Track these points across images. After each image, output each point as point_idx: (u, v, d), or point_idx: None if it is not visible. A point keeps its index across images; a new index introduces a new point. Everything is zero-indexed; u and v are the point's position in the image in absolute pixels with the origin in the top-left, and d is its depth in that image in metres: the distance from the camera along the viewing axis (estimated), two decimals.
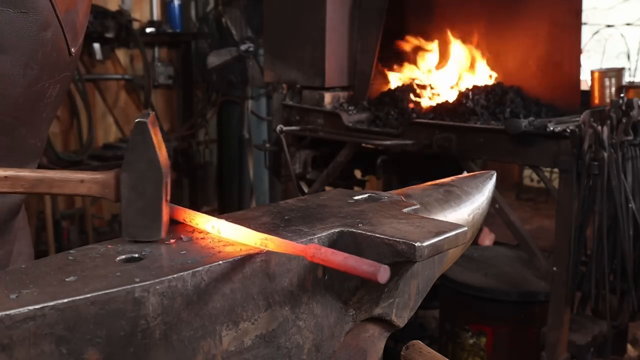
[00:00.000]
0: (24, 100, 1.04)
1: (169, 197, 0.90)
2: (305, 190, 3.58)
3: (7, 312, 0.66)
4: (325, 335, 0.95)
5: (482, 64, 3.57)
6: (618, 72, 3.41)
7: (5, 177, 0.89)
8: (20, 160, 1.14)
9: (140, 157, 0.87)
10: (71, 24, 1.09)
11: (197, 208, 0.97)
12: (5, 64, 0.99)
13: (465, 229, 0.94)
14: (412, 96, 3.50)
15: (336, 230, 0.94)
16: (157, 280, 0.75)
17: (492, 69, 3.55)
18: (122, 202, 0.89)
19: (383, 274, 0.72)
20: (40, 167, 0.94)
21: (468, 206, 1.26)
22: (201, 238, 0.89)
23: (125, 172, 0.88)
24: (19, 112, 1.04)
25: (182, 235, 0.90)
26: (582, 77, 3.39)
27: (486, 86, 3.38)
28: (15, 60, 0.99)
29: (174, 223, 0.96)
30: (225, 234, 0.89)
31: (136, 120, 0.86)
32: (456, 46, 3.63)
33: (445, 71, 3.69)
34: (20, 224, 1.26)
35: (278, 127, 3.44)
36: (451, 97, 3.41)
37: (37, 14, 1.01)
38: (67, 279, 0.73)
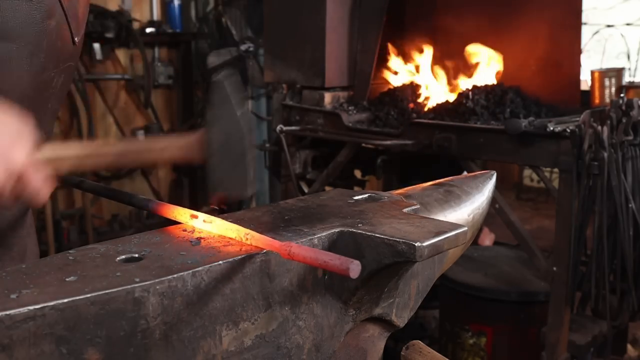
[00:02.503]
0: (31, 89, 1.04)
1: (254, 154, 0.92)
2: (305, 190, 3.58)
3: (7, 312, 0.66)
4: (325, 335, 0.95)
5: (484, 63, 3.56)
6: (618, 72, 3.41)
7: (89, 153, 0.90)
8: None
9: (224, 116, 0.89)
10: (74, 13, 1.09)
11: (197, 208, 0.97)
12: (11, 52, 0.99)
13: (465, 229, 0.94)
14: (412, 96, 3.50)
15: (336, 230, 0.94)
16: (157, 280, 0.75)
17: (493, 69, 3.55)
18: (209, 161, 0.90)
19: (354, 268, 0.73)
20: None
21: (468, 206, 1.26)
22: (202, 238, 0.89)
23: (211, 130, 0.89)
24: (27, 102, 1.05)
25: (184, 235, 0.90)
26: (582, 77, 3.39)
27: (486, 86, 3.38)
28: (21, 49, 1.00)
29: (174, 223, 0.96)
30: (208, 227, 0.90)
31: (213, 80, 0.89)
32: (456, 47, 3.63)
33: (445, 71, 3.69)
34: (28, 222, 1.27)
35: (278, 127, 3.44)
36: (451, 97, 3.41)
37: (41, 2, 1.01)
38: (67, 279, 0.73)
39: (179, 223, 0.95)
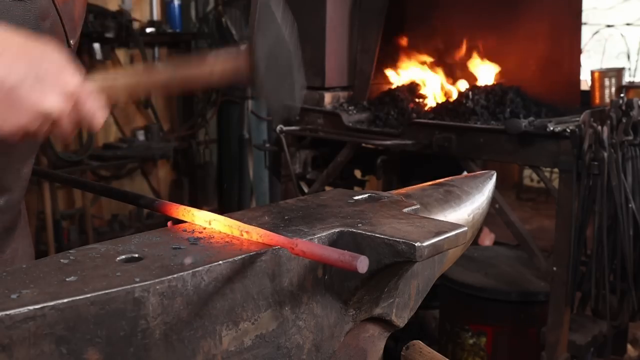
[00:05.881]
0: None
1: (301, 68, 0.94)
2: (305, 190, 3.58)
3: (7, 312, 0.66)
4: (325, 335, 0.95)
5: (483, 63, 3.57)
6: (618, 72, 3.41)
7: (139, 80, 0.92)
8: (21, 154, 1.14)
9: (269, 32, 0.89)
10: (69, 15, 1.09)
11: (197, 208, 0.98)
12: None
13: (465, 229, 0.94)
14: (412, 96, 3.50)
15: (336, 230, 0.94)
16: (157, 280, 0.75)
17: (493, 69, 3.55)
18: (258, 67, 0.90)
19: (362, 263, 0.74)
20: (40, 171, 0.96)
21: (468, 206, 1.26)
22: (203, 238, 0.89)
23: (258, 41, 0.90)
24: None
25: (184, 235, 0.90)
26: (582, 77, 3.39)
27: (486, 86, 3.38)
28: None
29: (174, 223, 0.96)
30: (215, 225, 0.90)
31: (260, 2, 0.89)
32: (456, 46, 3.63)
33: (445, 71, 3.69)
34: (22, 223, 1.26)
35: (278, 127, 3.44)
36: (451, 97, 3.42)
37: (35, 3, 1.00)
38: (67, 279, 0.73)
39: (179, 223, 0.95)
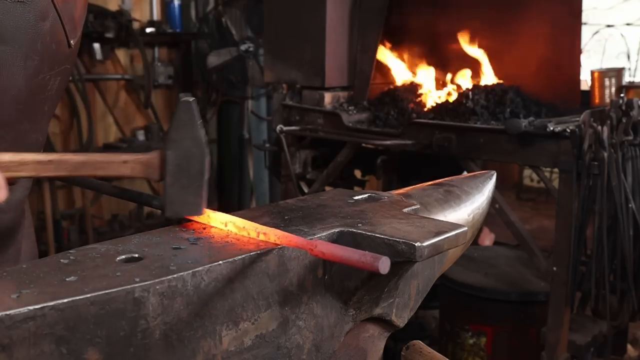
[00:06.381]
0: (26, 92, 1.04)
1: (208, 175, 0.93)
2: (305, 190, 3.58)
3: (7, 312, 0.66)
4: (325, 335, 0.95)
5: (484, 64, 3.56)
6: (618, 72, 3.41)
7: (50, 160, 0.90)
8: None
9: (186, 136, 0.89)
10: (69, 15, 1.08)
11: None
12: (5, 55, 0.98)
13: (465, 229, 0.94)
14: (412, 96, 3.50)
15: (336, 230, 0.94)
16: (157, 280, 0.75)
17: (493, 69, 3.55)
18: (166, 180, 0.90)
19: (384, 264, 0.73)
20: None
21: (468, 206, 1.26)
22: (203, 238, 0.89)
23: (171, 149, 0.90)
24: (22, 105, 1.04)
25: (184, 235, 0.90)
26: (582, 77, 3.39)
27: (486, 86, 3.38)
28: (14, 51, 0.99)
29: (174, 223, 0.96)
30: (231, 227, 0.90)
31: (182, 100, 0.89)
32: (456, 46, 3.63)
33: (444, 71, 3.69)
34: (25, 223, 1.27)
35: (278, 127, 3.44)
36: (451, 97, 3.41)
37: (34, 4, 1.00)
38: (67, 279, 0.73)
39: (179, 223, 0.95)
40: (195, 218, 0.95)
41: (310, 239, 0.82)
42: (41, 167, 0.90)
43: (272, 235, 0.85)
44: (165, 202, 0.92)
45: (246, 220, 0.89)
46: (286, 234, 0.84)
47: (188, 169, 0.90)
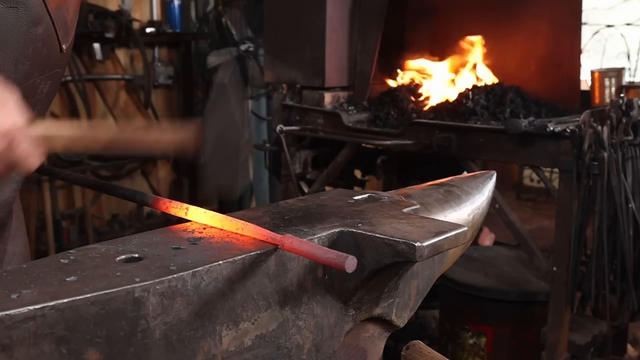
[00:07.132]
0: None
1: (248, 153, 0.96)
2: (305, 190, 3.58)
3: (7, 312, 0.66)
4: (325, 335, 0.95)
5: (483, 65, 3.57)
6: (618, 72, 3.41)
7: (82, 136, 0.91)
8: None
9: (221, 112, 0.91)
10: (62, 20, 1.08)
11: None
12: None
13: (465, 229, 0.94)
14: (412, 96, 3.50)
15: (336, 230, 0.94)
16: (157, 280, 0.75)
17: (493, 69, 3.55)
18: (203, 154, 0.92)
19: (349, 263, 0.74)
20: (40, 167, 0.95)
21: (468, 206, 1.26)
22: (203, 238, 0.89)
23: (207, 125, 0.91)
24: None
25: (184, 235, 0.90)
26: (582, 77, 3.39)
27: (486, 86, 3.38)
28: (6, 56, 0.99)
29: (174, 223, 0.96)
30: (206, 221, 0.92)
31: (216, 82, 0.92)
32: (456, 46, 3.63)
33: (444, 71, 3.69)
34: (14, 224, 1.26)
35: (278, 127, 3.44)
36: (451, 97, 3.41)
37: (27, 10, 1.00)
38: (67, 279, 0.73)
39: (179, 223, 0.96)
40: (174, 212, 0.95)
41: (284, 235, 0.83)
42: (73, 142, 0.92)
43: (248, 229, 0.87)
44: (205, 175, 0.93)
45: (225, 215, 0.91)
46: (261, 229, 0.86)
47: (225, 144, 0.92)
